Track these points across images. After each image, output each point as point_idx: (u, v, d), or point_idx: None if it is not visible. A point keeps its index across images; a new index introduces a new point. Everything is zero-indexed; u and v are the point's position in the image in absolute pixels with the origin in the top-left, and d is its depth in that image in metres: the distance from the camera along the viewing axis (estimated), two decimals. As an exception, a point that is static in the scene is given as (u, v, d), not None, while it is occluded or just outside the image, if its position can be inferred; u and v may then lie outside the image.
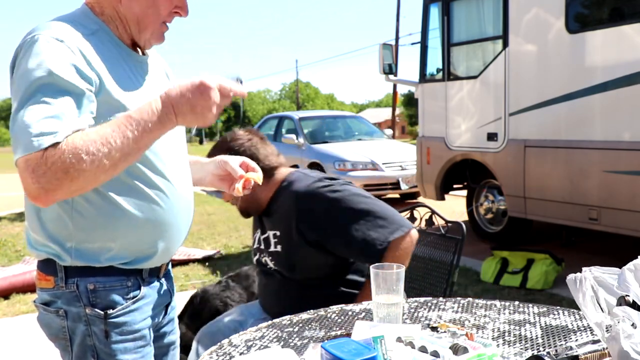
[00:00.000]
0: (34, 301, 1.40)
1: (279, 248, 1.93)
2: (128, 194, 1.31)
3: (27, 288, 4.66)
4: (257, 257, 2.06)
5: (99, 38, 1.30)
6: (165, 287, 1.51)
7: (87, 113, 1.19)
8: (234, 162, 1.57)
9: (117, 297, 1.34)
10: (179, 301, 1.97)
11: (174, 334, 1.61)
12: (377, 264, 1.41)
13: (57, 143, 1.11)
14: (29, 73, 1.17)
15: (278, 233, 1.94)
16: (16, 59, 1.23)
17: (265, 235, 2.00)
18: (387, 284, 1.37)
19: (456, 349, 1.14)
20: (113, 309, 1.33)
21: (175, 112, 1.21)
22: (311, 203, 1.86)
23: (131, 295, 1.37)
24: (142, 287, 1.40)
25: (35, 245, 1.34)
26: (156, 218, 1.35)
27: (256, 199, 1.96)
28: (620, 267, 1.15)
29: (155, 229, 1.36)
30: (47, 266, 1.33)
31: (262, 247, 2.01)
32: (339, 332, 1.43)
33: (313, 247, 1.86)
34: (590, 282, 1.11)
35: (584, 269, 1.14)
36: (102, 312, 1.32)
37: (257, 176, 1.56)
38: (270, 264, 1.97)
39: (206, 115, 1.22)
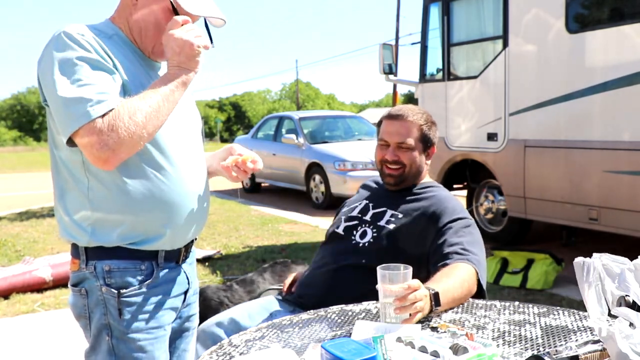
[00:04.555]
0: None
1: (390, 226, 1.95)
2: (136, 175, 1.42)
3: (27, 288, 4.67)
4: (346, 224, 2.06)
5: (115, 41, 1.44)
6: (184, 273, 1.58)
7: (120, 87, 1.36)
8: (241, 147, 1.68)
9: (130, 279, 1.45)
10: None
11: (192, 321, 1.69)
12: (384, 264, 1.41)
13: (112, 109, 1.28)
14: (62, 57, 1.31)
15: (400, 215, 1.97)
16: (46, 53, 1.35)
17: (380, 210, 2.03)
18: (394, 284, 1.38)
19: (456, 349, 1.14)
20: (126, 289, 1.44)
21: (179, 65, 1.40)
22: (456, 216, 1.94)
23: (145, 277, 1.47)
24: (156, 271, 1.49)
25: (63, 230, 1.48)
26: (163, 199, 1.45)
27: (418, 172, 2.07)
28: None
29: (162, 210, 1.46)
30: (75, 250, 1.48)
31: (367, 218, 2.03)
32: (339, 332, 1.43)
33: (425, 243, 1.91)
34: (599, 270, 1.10)
35: (594, 254, 1.13)
36: (115, 291, 1.43)
37: (247, 157, 1.63)
38: (367, 236, 1.97)
39: (188, 52, 1.40)
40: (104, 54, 1.37)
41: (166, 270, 1.51)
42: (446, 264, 1.77)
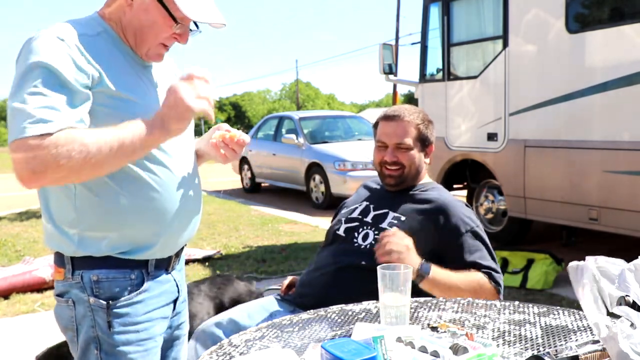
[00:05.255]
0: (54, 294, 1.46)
1: (394, 229, 1.93)
2: (127, 181, 1.36)
3: (27, 288, 4.67)
4: (347, 225, 2.05)
5: (103, 39, 1.37)
6: (174, 281, 1.53)
7: (81, 109, 1.27)
8: (228, 126, 1.63)
9: (120, 289, 1.39)
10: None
11: (181, 329, 1.64)
12: (384, 264, 1.41)
13: (51, 133, 1.18)
14: (28, 65, 1.23)
15: (403, 218, 1.97)
16: (19, 55, 1.29)
17: (382, 212, 2.02)
18: (394, 285, 1.37)
19: (456, 349, 1.14)
20: (116, 300, 1.38)
21: (163, 120, 1.29)
22: (461, 221, 1.94)
23: (135, 287, 1.41)
24: (146, 280, 1.43)
25: (48, 238, 1.42)
26: (155, 207, 1.40)
27: (417, 172, 2.06)
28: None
29: (154, 218, 1.40)
30: (59, 258, 1.41)
31: (368, 220, 2.02)
32: (339, 332, 1.43)
33: (428, 245, 1.91)
34: (593, 271, 1.10)
35: (587, 257, 1.13)
36: (104, 303, 1.37)
37: (235, 134, 1.58)
38: (369, 238, 1.97)
39: (181, 112, 1.29)
40: (83, 61, 1.28)
41: (156, 279, 1.46)
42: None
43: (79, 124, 1.25)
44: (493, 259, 1.93)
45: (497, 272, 1.90)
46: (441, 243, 1.92)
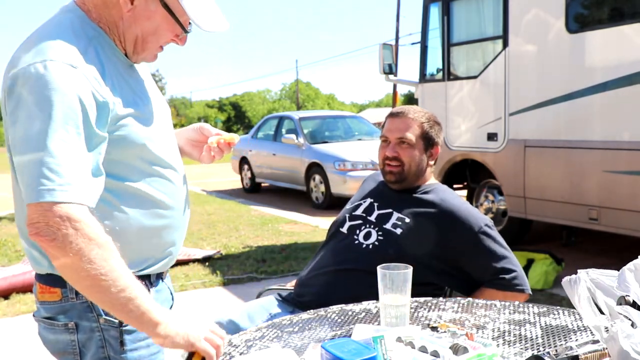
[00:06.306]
0: (33, 315, 1.35)
1: (397, 231, 1.94)
2: (139, 204, 1.30)
3: (27, 288, 4.66)
4: (350, 223, 2.05)
5: (99, 43, 1.26)
6: (167, 288, 1.51)
7: (100, 156, 1.19)
8: (210, 127, 1.60)
9: None
10: (180, 301, 1.97)
11: None
12: (384, 264, 1.41)
13: (83, 205, 1.10)
14: (48, 106, 1.11)
15: (407, 220, 1.96)
16: (16, 83, 1.14)
17: (386, 212, 2.01)
18: (394, 285, 1.37)
19: (456, 349, 1.14)
20: None
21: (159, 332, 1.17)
22: (468, 222, 1.94)
23: None
24: (151, 291, 1.39)
25: (40, 262, 1.29)
26: (169, 225, 1.37)
27: (419, 172, 2.05)
28: (620, 267, 1.15)
29: (167, 237, 1.38)
30: (51, 278, 1.28)
31: (371, 219, 2.02)
32: (339, 332, 1.43)
33: (434, 249, 1.93)
34: (587, 284, 1.11)
35: (579, 270, 1.14)
36: (116, 321, 1.28)
37: (233, 137, 1.58)
38: (371, 238, 1.96)
39: (183, 338, 1.19)
40: (101, 91, 1.18)
41: (156, 289, 1.42)
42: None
43: (99, 178, 1.19)
44: (503, 257, 1.97)
45: (509, 272, 1.99)
46: (455, 252, 1.93)
